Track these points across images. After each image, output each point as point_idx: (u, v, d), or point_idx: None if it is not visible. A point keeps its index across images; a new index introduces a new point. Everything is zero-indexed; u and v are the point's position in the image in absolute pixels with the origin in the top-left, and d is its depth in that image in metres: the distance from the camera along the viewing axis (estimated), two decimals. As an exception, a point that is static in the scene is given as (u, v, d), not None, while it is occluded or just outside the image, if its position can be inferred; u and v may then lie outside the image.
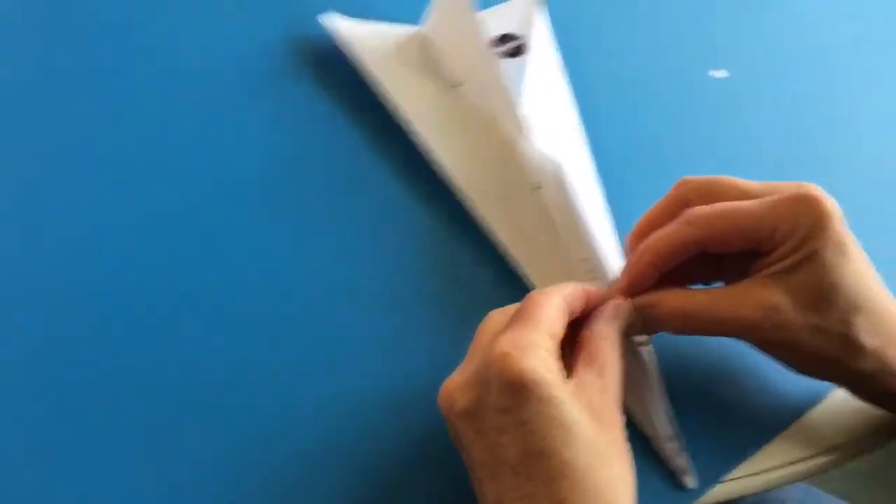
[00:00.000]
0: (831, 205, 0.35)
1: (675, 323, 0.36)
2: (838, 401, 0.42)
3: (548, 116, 0.49)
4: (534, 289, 0.41)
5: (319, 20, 0.51)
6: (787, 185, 0.36)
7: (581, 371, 0.33)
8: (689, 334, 0.38)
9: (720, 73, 0.55)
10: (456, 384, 0.33)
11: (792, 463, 0.40)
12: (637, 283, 0.37)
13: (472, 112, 0.49)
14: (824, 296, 0.34)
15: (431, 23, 0.51)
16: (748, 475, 0.40)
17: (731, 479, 0.39)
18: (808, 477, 0.41)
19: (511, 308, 0.36)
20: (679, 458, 0.38)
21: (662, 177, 0.41)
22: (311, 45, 0.52)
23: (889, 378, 0.36)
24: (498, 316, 0.36)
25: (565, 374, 0.32)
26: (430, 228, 0.46)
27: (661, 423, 0.39)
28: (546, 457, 0.30)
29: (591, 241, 0.42)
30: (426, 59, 0.51)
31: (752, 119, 0.53)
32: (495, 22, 0.52)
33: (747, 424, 0.41)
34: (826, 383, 0.42)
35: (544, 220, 0.44)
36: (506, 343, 0.32)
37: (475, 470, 0.32)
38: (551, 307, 0.34)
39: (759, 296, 0.35)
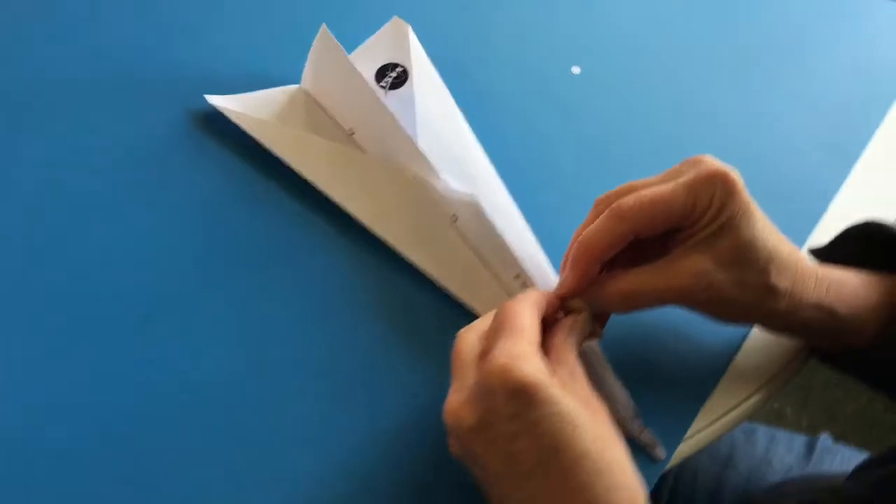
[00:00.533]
0: (736, 175, 0.39)
1: (622, 304, 0.40)
2: (757, 341, 0.48)
3: (446, 141, 0.51)
4: (476, 314, 0.44)
5: (206, 99, 0.51)
6: (688, 165, 0.41)
7: (558, 371, 0.36)
8: (634, 311, 0.41)
9: (576, 70, 0.59)
10: (459, 403, 0.35)
11: (737, 406, 0.46)
12: (583, 282, 0.40)
13: (372, 158, 0.50)
14: (743, 253, 0.39)
15: (311, 78, 0.53)
16: (704, 428, 0.45)
17: (689, 438, 0.44)
18: (754, 414, 0.46)
19: (480, 324, 0.38)
20: (645, 434, 0.43)
21: (553, 172, 0.47)
22: (210, 121, 0.52)
23: (799, 311, 0.42)
24: (470, 334, 0.38)
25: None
26: (365, 275, 0.48)
27: (623, 407, 0.43)
28: (561, 452, 0.33)
29: (520, 257, 0.46)
30: (314, 115, 0.52)
31: (608, 110, 0.58)
32: (371, 55, 0.53)
33: (689, 382, 0.46)
34: (743, 329, 0.47)
35: (467, 249, 0.47)
36: (501, 355, 0.34)
37: (492, 481, 0.35)
38: (527, 316, 0.37)
39: (689, 265, 0.39)
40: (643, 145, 0.56)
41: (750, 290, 0.40)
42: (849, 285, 0.42)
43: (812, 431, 0.62)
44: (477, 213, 0.46)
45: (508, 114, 0.56)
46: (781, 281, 0.40)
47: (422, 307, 0.46)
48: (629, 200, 0.39)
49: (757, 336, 0.48)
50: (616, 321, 0.44)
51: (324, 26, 0.50)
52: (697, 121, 0.58)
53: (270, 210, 0.49)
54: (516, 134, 0.55)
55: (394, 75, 0.52)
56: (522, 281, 0.46)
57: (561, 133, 0.56)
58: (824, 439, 0.72)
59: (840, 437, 0.73)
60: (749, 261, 0.39)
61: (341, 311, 0.46)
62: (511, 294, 0.46)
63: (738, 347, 0.48)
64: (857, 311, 0.42)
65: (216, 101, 0.51)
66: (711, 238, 0.39)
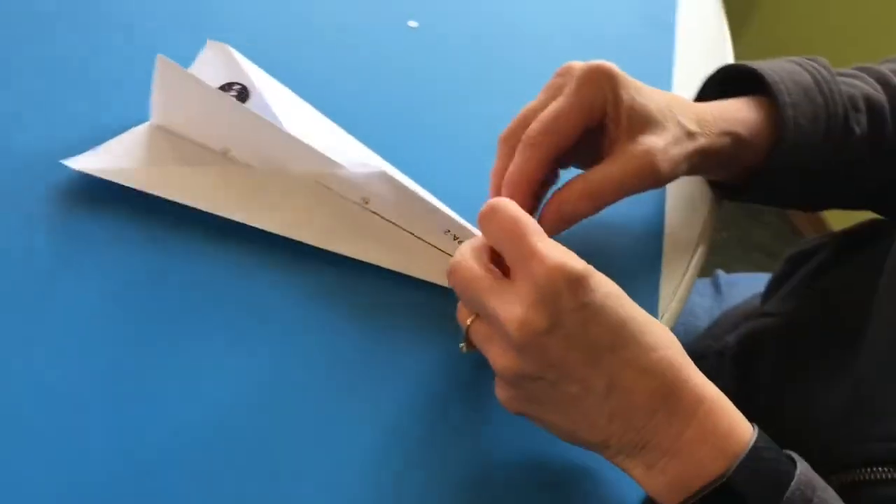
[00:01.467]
0: (609, 65, 0.43)
1: (589, 203, 0.42)
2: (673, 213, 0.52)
3: (320, 135, 0.49)
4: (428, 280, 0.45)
5: (63, 163, 0.46)
6: (563, 77, 0.44)
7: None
8: (599, 210, 0.43)
9: (413, 24, 0.59)
10: (522, 313, 0.35)
11: (685, 272, 0.49)
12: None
13: (258, 169, 0.48)
14: (656, 118, 0.43)
15: (161, 111, 0.49)
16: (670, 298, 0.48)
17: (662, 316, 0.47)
18: (698, 272, 0.50)
19: (474, 245, 0.39)
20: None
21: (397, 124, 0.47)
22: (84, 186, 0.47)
23: (713, 143, 0.46)
24: (469, 255, 0.38)
25: None
26: (325, 284, 0.46)
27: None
28: (628, 322, 0.36)
29: (442, 213, 0.45)
30: (179, 146, 0.48)
31: (447, 58, 0.58)
32: (206, 78, 0.50)
33: (639, 268, 0.49)
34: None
35: (388, 226, 0.47)
36: (548, 256, 0.35)
37: (573, 374, 0.36)
38: (523, 216, 0.37)
39: (633, 150, 0.42)
40: (483, 84, 0.57)
41: (683, 144, 0.44)
42: (736, 109, 0.48)
43: (706, 273, 0.68)
44: (390, 182, 0.46)
45: (350, 76, 0.55)
46: (692, 125, 0.45)
47: (389, 295, 0.46)
48: (534, 128, 0.42)
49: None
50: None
51: (159, 56, 0.46)
52: (528, 44, 0.60)
53: (196, 253, 0.45)
54: (358, 94, 0.54)
55: (234, 93, 0.50)
56: (453, 234, 0.46)
57: (402, 88, 0.56)
58: (721, 275, 0.79)
59: (729, 268, 0.81)
60: (665, 120, 0.44)
61: (319, 325, 0.44)
62: (447, 251, 0.46)
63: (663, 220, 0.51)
64: (751, 128, 0.47)
65: (78, 164, 0.46)
66: (628, 122, 0.43)
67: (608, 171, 0.42)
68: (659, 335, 0.37)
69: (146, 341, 0.41)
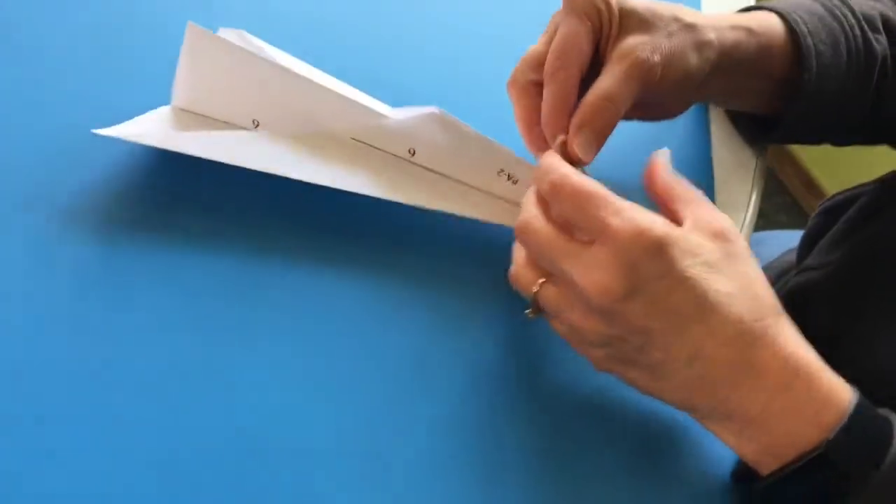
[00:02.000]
0: None
1: (591, 135, 0.40)
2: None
3: (356, 94, 0.47)
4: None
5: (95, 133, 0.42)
6: (557, 14, 0.43)
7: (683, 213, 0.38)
8: (608, 132, 0.41)
9: None
10: (602, 278, 0.35)
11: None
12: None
13: (316, 139, 0.45)
14: (643, 16, 0.42)
15: (186, 89, 0.46)
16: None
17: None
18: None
19: (539, 198, 0.38)
20: None
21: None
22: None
23: (723, 38, 0.44)
24: (539, 214, 0.38)
25: None
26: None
27: None
28: (712, 292, 0.35)
29: (497, 150, 0.44)
30: (207, 126, 0.46)
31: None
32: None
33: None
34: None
35: (438, 177, 0.45)
36: (626, 222, 0.34)
37: (656, 341, 0.35)
38: (587, 184, 0.37)
39: (617, 53, 0.41)
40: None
41: (679, 37, 0.42)
42: (746, 16, 0.47)
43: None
44: (441, 123, 0.44)
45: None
46: (691, 18, 0.44)
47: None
48: (550, 62, 0.42)
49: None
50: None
51: (189, 24, 0.43)
52: None
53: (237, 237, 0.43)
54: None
55: None
56: (507, 174, 0.45)
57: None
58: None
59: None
60: (656, 16, 0.42)
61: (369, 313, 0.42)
62: (503, 195, 0.44)
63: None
64: (764, 25, 0.47)
65: (112, 131, 0.43)
66: (623, 30, 0.42)
67: (598, 87, 0.41)
68: (750, 305, 0.36)
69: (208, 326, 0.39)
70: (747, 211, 0.50)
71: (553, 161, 0.39)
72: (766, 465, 0.37)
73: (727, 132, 0.54)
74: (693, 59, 0.43)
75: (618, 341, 0.37)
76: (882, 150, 0.63)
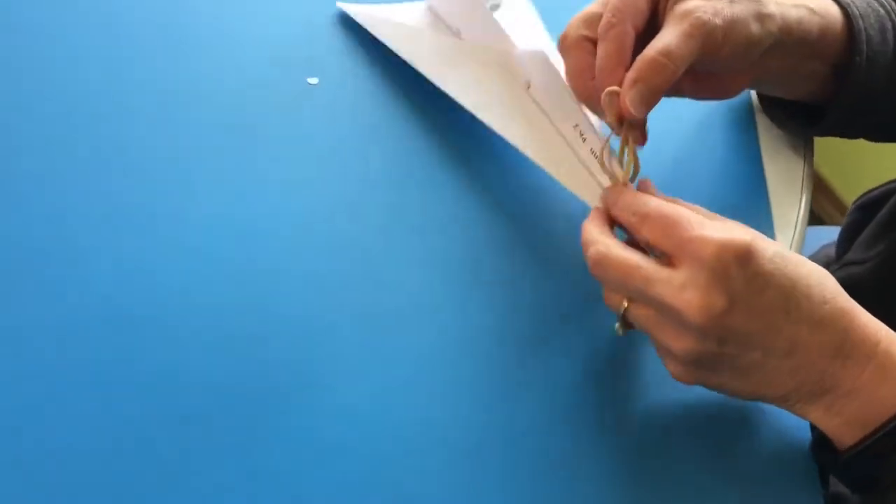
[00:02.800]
0: None
1: (667, 72, 0.40)
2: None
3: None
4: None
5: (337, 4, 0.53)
6: None
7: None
8: (661, 92, 0.41)
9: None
10: (699, 297, 0.36)
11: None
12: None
13: (473, 52, 0.51)
14: None
15: None
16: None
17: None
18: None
19: (603, 227, 0.41)
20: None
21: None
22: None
23: (786, 13, 0.45)
24: (610, 243, 0.39)
25: None
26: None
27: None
28: (796, 280, 0.37)
29: (577, 106, 0.46)
30: (432, 22, 0.54)
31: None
32: None
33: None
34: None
35: (542, 118, 0.48)
36: (711, 235, 0.36)
37: (754, 342, 0.37)
38: (665, 207, 0.39)
39: (675, 13, 0.41)
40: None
41: (742, 4, 0.42)
42: None
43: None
44: (546, 64, 0.47)
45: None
46: None
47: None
48: (606, 18, 0.42)
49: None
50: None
51: None
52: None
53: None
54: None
55: (491, 4, 0.55)
56: (579, 130, 0.46)
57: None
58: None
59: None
60: None
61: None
62: (571, 142, 0.47)
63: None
64: (822, 6, 0.47)
65: (352, 8, 0.53)
66: None
67: (656, 43, 0.41)
68: (825, 285, 0.39)
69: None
70: (798, 213, 0.53)
71: (634, 197, 0.41)
72: (852, 436, 0.39)
73: (773, 142, 0.57)
74: (755, 28, 0.43)
75: (710, 354, 0.38)
76: (890, 151, 0.65)
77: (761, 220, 0.53)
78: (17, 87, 0.45)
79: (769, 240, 0.38)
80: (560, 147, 0.47)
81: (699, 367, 0.39)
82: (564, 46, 0.44)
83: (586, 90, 0.44)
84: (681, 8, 0.41)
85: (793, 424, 0.44)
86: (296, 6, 0.53)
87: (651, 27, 0.43)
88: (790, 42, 0.45)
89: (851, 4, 0.48)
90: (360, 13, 0.53)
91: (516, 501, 0.39)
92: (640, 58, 0.41)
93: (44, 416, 0.36)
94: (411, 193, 0.47)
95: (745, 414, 0.44)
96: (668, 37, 0.41)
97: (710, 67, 0.44)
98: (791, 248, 0.50)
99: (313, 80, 0.50)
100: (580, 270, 0.42)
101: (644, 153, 0.43)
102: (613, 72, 0.41)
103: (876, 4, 0.49)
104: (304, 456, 0.38)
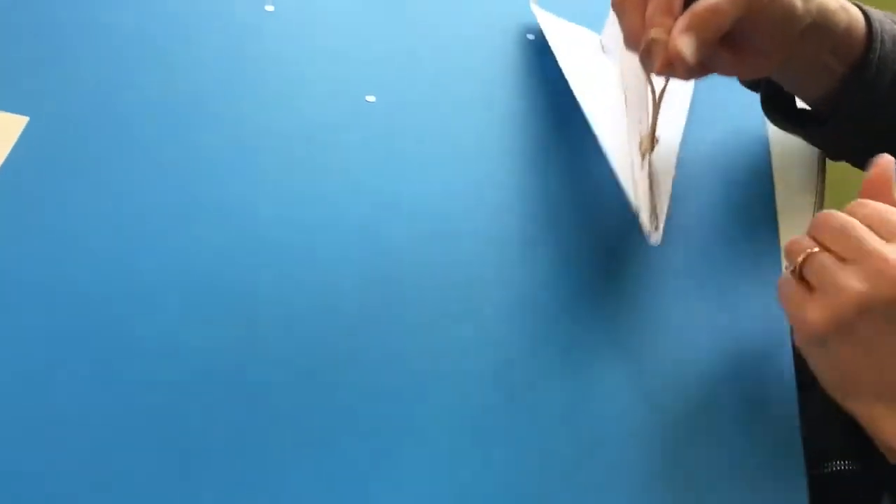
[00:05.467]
0: None
1: (714, 25, 0.43)
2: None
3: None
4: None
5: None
6: None
7: None
8: (714, 36, 0.44)
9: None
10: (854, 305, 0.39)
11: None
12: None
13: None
14: None
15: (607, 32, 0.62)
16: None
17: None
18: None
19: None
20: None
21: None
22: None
23: (833, 9, 0.48)
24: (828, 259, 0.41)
25: None
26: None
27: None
28: None
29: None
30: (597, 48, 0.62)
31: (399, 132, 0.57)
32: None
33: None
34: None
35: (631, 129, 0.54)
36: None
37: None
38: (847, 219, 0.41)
39: None
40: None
41: None
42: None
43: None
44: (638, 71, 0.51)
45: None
46: None
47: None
48: None
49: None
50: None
51: None
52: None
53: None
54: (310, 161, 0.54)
55: None
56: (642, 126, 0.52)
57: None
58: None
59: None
60: None
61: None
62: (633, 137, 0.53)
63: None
64: (850, 7, 0.50)
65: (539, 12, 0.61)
66: None
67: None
68: None
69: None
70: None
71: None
72: None
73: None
74: (798, 2, 0.46)
75: (872, 315, 0.39)
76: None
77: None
78: (127, 94, 0.53)
79: None
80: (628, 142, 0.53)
81: (843, 326, 0.40)
82: (619, 5, 0.47)
83: (640, 44, 0.46)
84: None
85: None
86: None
87: None
88: (822, 29, 0.48)
89: (871, 12, 0.51)
90: (544, 17, 0.61)
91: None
92: (690, 10, 0.44)
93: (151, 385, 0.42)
94: (471, 198, 0.53)
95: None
96: None
97: (749, 37, 0.46)
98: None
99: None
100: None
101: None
102: (663, 21, 0.44)
103: (891, 22, 0.52)
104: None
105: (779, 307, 0.43)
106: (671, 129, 0.56)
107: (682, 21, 0.44)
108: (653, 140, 0.50)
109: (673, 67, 0.45)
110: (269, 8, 0.60)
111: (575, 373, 0.47)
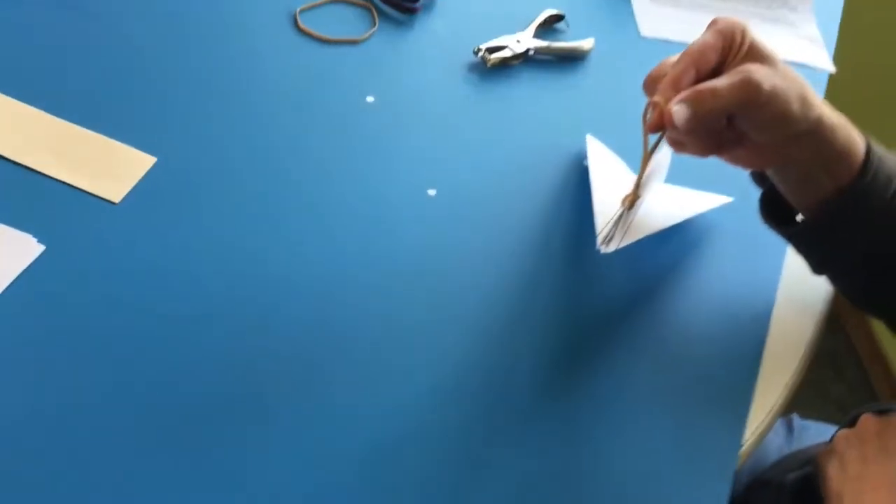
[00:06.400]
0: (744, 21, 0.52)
1: (710, 105, 0.49)
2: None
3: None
4: None
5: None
6: (708, 29, 0.52)
7: None
8: (700, 123, 0.49)
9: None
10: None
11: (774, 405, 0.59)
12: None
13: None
14: (772, 57, 0.51)
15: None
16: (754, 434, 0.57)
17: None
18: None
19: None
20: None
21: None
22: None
23: (820, 111, 0.52)
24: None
25: None
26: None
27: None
28: None
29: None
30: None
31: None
32: None
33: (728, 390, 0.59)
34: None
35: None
36: None
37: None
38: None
39: (738, 68, 0.50)
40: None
41: (792, 84, 0.50)
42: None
43: (782, 413, 0.76)
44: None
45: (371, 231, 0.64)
46: (807, 85, 0.51)
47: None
48: (680, 55, 0.51)
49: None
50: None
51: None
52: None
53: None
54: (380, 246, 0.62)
55: None
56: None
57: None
58: (796, 418, 0.86)
59: (804, 415, 0.88)
60: (781, 64, 0.51)
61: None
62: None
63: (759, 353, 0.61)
64: (852, 129, 0.54)
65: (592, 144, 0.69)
66: (747, 59, 0.51)
67: (709, 81, 0.50)
68: None
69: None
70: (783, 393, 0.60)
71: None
72: None
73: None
74: (796, 107, 0.50)
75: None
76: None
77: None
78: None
79: None
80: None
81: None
82: (645, 86, 0.54)
83: (649, 89, 0.53)
84: (741, 66, 0.50)
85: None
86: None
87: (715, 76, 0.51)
88: (819, 140, 0.52)
89: (875, 145, 0.55)
90: (594, 144, 0.68)
91: None
92: (693, 87, 0.50)
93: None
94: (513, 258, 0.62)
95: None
96: (719, 81, 0.50)
97: (748, 128, 0.52)
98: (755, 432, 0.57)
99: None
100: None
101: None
102: (666, 93, 0.51)
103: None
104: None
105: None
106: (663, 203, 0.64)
107: (683, 93, 0.50)
108: (636, 192, 0.58)
109: (662, 128, 0.51)
110: (370, 99, 0.71)
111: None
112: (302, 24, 0.74)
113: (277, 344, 0.54)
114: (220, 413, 0.51)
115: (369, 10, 0.78)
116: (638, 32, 0.83)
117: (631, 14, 0.85)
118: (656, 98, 0.51)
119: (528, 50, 0.77)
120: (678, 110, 0.49)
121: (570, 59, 0.79)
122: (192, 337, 0.53)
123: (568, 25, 0.81)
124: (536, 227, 0.65)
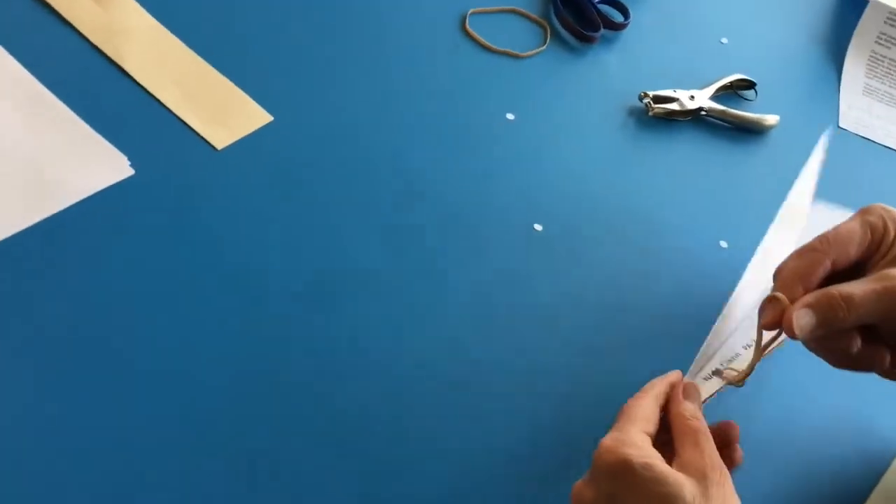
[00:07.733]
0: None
1: (840, 314, 0.41)
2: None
3: None
4: None
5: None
6: (856, 215, 0.45)
7: (679, 448, 0.40)
8: (833, 326, 0.42)
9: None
10: (581, 484, 0.40)
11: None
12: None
13: None
14: None
15: None
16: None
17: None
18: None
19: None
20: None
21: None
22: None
23: None
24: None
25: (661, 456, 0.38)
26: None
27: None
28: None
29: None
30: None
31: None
32: None
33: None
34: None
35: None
36: (607, 438, 0.38)
37: None
38: (643, 406, 0.41)
39: (886, 273, 0.42)
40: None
41: None
42: None
43: None
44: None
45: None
46: None
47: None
48: (814, 240, 0.44)
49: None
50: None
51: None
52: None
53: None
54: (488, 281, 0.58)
55: None
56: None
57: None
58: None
59: None
60: None
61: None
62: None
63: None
64: None
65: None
66: (893, 258, 0.43)
67: (845, 285, 0.42)
68: None
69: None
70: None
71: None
72: None
73: None
74: None
75: None
76: None
77: None
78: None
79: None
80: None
81: None
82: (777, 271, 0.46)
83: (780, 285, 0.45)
84: (886, 271, 0.42)
85: None
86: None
87: (853, 274, 0.44)
88: None
89: None
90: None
91: None
92: (823, 289, 0.42)
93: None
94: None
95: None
96: (857, 286, 0.42)
97: (889, 340, 0.44)
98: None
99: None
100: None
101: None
102: (792, 287, 0.43)
103: None
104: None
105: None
106: None
107: (811, 295, 0.42)
108: (744, 376, 0.46)
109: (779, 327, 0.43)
110: (510, 116, 0.66)
111: None
112: (468, 27, 0.71)
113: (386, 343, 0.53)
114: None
115: (544, 28, 0.73)
116: (836, 122, 0.73)
117: (834, 101, 0.74)
118: (777, 293, 0.43)
119: (700, 109, 0.69)
120: (801, 317, 0.41)
121: (746, 131, 0.70)
122: (259, 310, 0.52)
123: (756, 95, 0.73)
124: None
